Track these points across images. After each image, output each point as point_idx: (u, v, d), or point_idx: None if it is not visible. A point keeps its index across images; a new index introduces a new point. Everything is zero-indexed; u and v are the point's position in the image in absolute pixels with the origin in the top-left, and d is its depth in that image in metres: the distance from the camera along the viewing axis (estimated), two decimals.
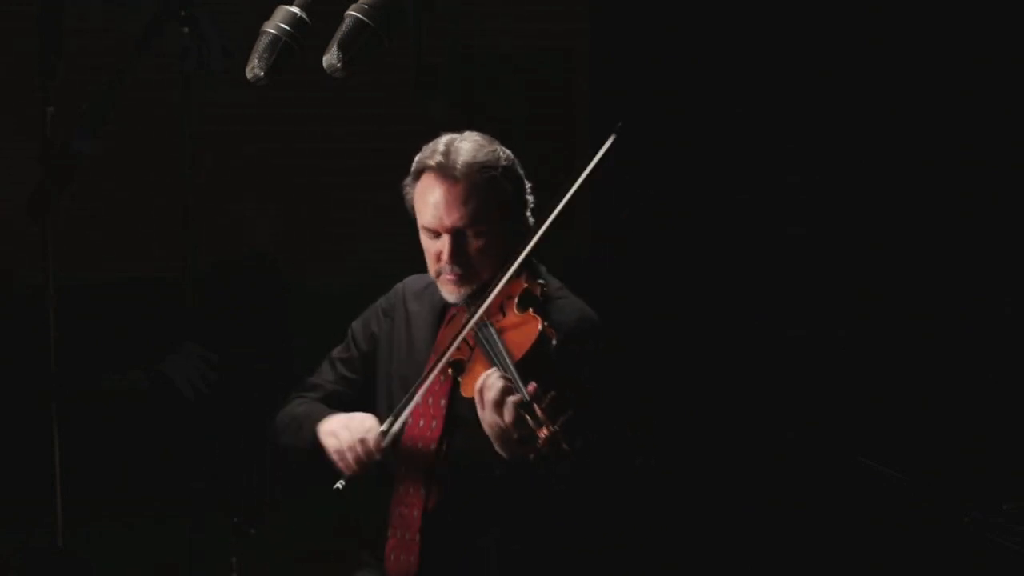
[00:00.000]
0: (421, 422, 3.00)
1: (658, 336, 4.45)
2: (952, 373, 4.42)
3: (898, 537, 4.03)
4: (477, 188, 2.99)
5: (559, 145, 4.54)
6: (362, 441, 2.95)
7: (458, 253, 3.00)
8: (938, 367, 4.44)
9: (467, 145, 3.04)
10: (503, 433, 2.76)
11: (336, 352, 3.25)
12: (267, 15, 2.90)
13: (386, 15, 2.85)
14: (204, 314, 3.17)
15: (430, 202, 3.01)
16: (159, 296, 4.40)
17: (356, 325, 3.24)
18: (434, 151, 3.04)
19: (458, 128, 3.11)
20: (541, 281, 3.03)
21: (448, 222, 2.99)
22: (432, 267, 3.06)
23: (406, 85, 4.60)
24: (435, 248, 3.03)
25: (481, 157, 3.02)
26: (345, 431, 2.99)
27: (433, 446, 3.00)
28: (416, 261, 3.26)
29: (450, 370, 2.98)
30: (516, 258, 2.93)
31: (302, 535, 4.14)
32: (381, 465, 3.00)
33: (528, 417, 2.70)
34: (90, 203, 4.38)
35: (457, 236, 2.99)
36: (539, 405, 2.69)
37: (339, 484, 2.95)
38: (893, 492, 3.74)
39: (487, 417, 2.78)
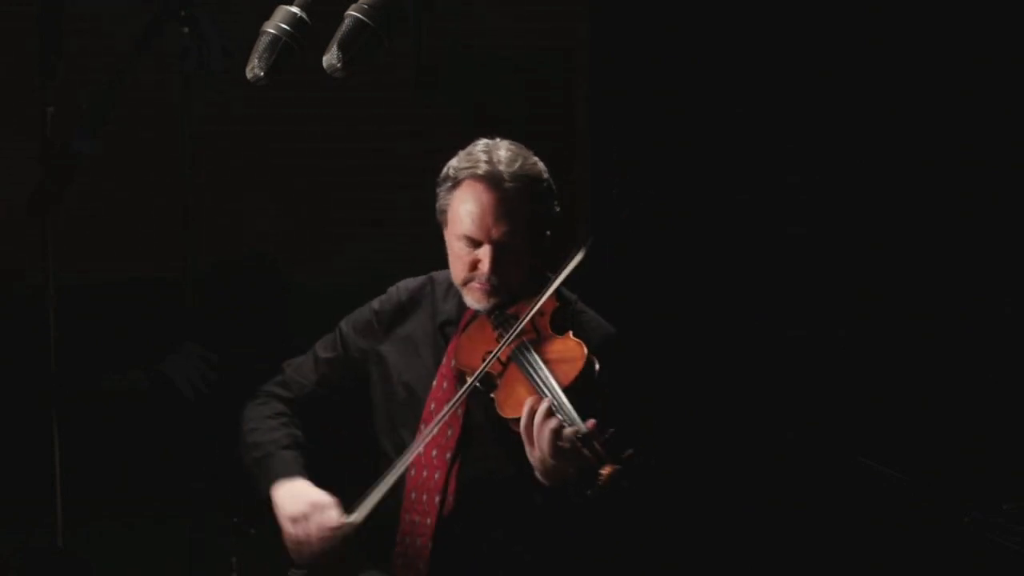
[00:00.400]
0: (435, 430, 2.96)
1: (658, 336, 4.44)
2: (952, 373, 4.42)
3: (898, 537, 4.03)
4: (525, 201, 2.98)
5: (559, 145, 4.54)
6: (321, 539, 2.92)
7: (499, 263, 2.97)
8: (938, 367, 4.43)
9: (510, 155, 3.02)
10: (556, 469, 2.72)
11: (321, 350, 3.21)
12: (267, 15, 2.89)
13: (386, 15, 2.85)
14: (204, 314, 3.16)
15: (475, 211, 2.97)
16: (159, 296, 4.39)
17: (347, 328, 3.20)
18: (478, 160, 3.01)
19: (456, 127, 3.11)
20: (569, 298, 3.03)
21: (496, 233, 2.97)
22: (461, 274, 3.03)
23: (406, 85, 4.60)
24: (471, 257, 3.00)
25: (528, 169, 3.01)
26: (305, 522, 2.94)
27: (449, 454, 2.99)
28: (415, 261, 3.26)
29: (453, 363, 2.97)
30: (555, 277, 2.91)
31: None
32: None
33: (587, 452, 2.65)
34: (90, 203, 4.37)
35: (500, 247, 2.97)
36: (598, 441, 2.65)
37: (295, 574, 2.96)
38: (893, 492, 3.74)
39: (541, 453, 2.72)
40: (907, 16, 4.47)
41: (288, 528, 2.97)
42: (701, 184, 4.59)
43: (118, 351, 4.35)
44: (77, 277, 3.85)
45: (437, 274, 3.18)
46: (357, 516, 2.91)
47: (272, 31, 2.86)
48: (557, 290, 2.99)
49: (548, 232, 3.04)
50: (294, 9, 2.88)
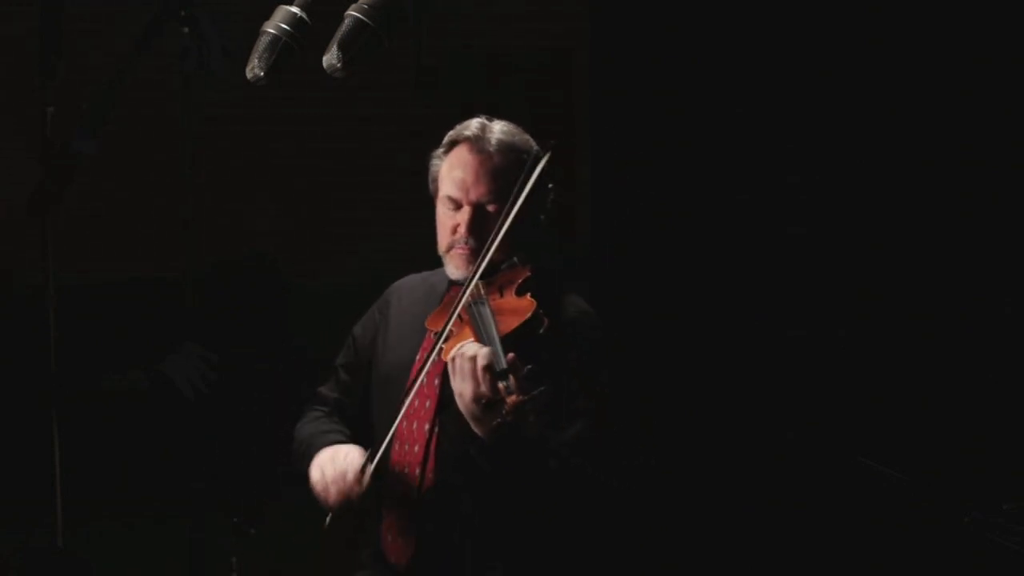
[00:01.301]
0: (416, 402, 3.00)
1: (658, 336, 4.45)
2: (952, 373, 4.43)
3: (898, 537, 4.03)
4: (507, 167, 3.02)
5: (559, 145, 4.54)
6: (343, 475, 2.97)
7: (476, 225, 3.01)
8: (938, 367, 4.44)
9: (502, 127, 3.08)
10: (473, 400, 2.75)
11: (340, 359, 3.26)
12: (267, 15, 2.89)
13: (386, 15, 2.85)
14: (204, 314, 3.16)
15: (458, 172, 3.03)
16: (159, 296, 4.40)
17: (356, 330, 3.25)
18: (469, 126, 3.08)
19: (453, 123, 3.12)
20: (547, 276, 3.04)
21: (474, 195, 3.01)
22: (445, 240, 3.07)
23: (406, 85, 4.60)
24: (453, 220, 3.04)
25: (516, 140, 3.07)
26: (330, 465, 3.00)
27: (428, 425, 3.00)
28: (415, 261, 3.26)
29: (432, 335, 2.98)
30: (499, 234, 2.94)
31: (302, 535, 4.13)
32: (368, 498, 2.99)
33: (501, 384, 2.70)
34: (90, 203, 4.38)
35: (478, 210, 3.02)
36: (515, 374, 2.69)
37: (327, 520, 2.99)
38: (893, 492, 3.74)
39: (459, 383, 2.77)
40: (907, 16, 4.47)
41: (314, 476, 3.03)
42: (701, 184, 4.59)
43: (118, 351, 4.35)
44: (77, 277, 3.85)
45: (439, 270, 3.20)
46: (371, 459, 2.96)
47: (272, 31, 2.86)
48: (531, 263, 3.01)
49: (538, 209, 3.05)
50: (294, 9, 2.88)
